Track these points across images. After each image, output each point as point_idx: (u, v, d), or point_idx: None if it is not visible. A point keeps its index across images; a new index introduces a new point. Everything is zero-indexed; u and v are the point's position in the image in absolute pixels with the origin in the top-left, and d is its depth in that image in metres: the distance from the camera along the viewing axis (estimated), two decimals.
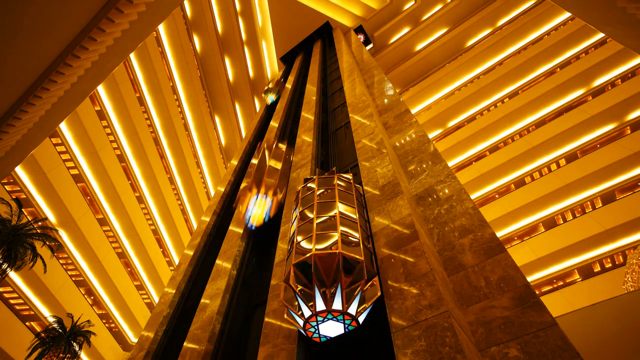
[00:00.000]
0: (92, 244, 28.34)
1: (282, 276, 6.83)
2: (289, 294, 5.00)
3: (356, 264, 4.70)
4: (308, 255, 4.82)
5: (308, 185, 6.78)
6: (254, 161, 11.93)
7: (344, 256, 4.69)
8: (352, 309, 4.54)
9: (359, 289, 4.58)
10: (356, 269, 4.69)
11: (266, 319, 6.04)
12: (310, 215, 5.72)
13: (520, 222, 23.08)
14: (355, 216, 5.64)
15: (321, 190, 6.35)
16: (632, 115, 21.72)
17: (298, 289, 4.76)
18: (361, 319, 4.65)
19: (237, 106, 38.09)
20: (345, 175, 6.83)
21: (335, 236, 5.02)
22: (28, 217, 23.52)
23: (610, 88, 23.54)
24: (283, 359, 5.08)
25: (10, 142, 11.44)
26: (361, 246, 4.97)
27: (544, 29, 28.22)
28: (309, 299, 4.64)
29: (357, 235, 5.20)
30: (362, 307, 4.61)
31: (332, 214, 5.61)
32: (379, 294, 4.68)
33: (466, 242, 5.32)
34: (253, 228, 10.19)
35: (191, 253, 11.88)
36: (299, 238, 5.33)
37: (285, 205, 9.38)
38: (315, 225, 5.35)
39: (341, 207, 5.71)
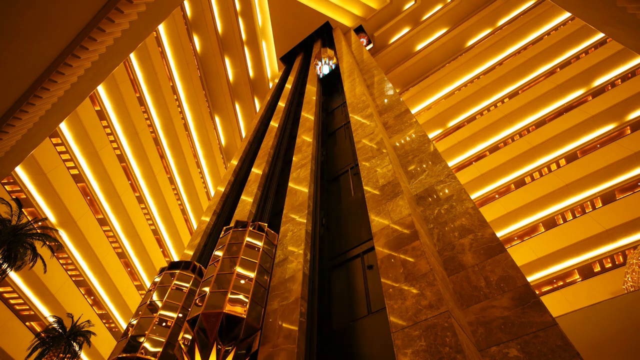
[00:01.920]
0: (92, 244, 28.32)
1: (282, 276, 6.83)
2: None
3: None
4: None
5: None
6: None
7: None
8: None
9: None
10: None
11: (266, 319, 6.04)
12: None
13: (520, 222, 23.07)
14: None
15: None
16: (632, 115, 21.71)
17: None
18: None
19: (237, 106, 38.08)
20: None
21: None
22: (28, 217, 23.51)
23: (610, 88, 23.54)
24: (283, 359, 5.08)
25: (10, 142, 11.44)
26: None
27: (544, 29, 28.21)
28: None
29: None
30: None
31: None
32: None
33: (466, 242, 5.32)
34: None
35: (191, 253, 11.88)
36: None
37: (285, 206, 9.38)
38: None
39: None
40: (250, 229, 7.53)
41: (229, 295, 5.75)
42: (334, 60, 20.14)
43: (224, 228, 8.01)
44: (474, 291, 4.61)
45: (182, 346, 5.51)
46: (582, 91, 24.45)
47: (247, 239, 7.23)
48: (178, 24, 31.19)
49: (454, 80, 31.46)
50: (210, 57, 34.43)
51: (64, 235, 26.46)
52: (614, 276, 17.73)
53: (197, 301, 6.08)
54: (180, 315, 7.58)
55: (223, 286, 6.08)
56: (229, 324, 5.38)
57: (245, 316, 5.51)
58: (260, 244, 7.29)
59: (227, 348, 5.28)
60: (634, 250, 14.43)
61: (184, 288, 8.05)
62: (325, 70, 19.82)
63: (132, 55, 28.94)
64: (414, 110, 32.66)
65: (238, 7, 31.53)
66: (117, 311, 31.96)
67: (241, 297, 5.88)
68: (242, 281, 6.26)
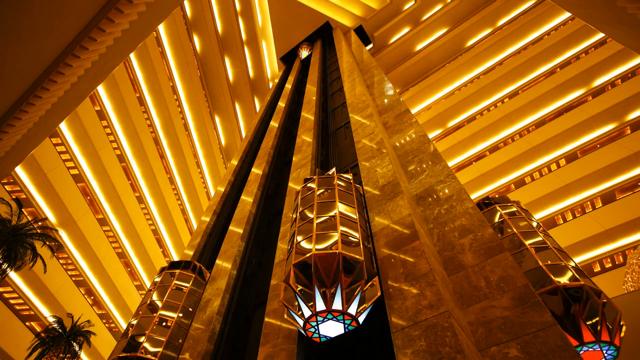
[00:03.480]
0: (92, 244, 28.32)
1: (282, 276, 6.83)
2: (289, 294, 4.92)
3: (356, 263, 4.68)
4: (308, 255, 4.77)
5: (308, 185, 6.80)
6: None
7: (344, 256, 4.66)
8: (352, 309, 4.51)
9: (358, 289, 4.54)
10: (356, 269, 4.66)
11: (266, 319, 6.04)
12: (310, 216, 5.74)
13: None
14: (355, 216, 5.65)
15: (321, 190, 6.36)
16: (632, 115, 21.71)
17: (298, 289, 4.70)
18: (361, 318, 4.61)
19: (237, 106, 38.09)
20: (345, 176, 6.86)
21: (335, 236, 4.99)
22: (28, 217, 23.50)
23: (610, 88, 23.54)
24: (283, 359, 5.08)
25: (10, 142, 11.44)
26: (361, 246, 4.96)
27: (544, 29, 28.21)
28: (309, 299, 4.59)
29: (357, 235, 5.18)
30: (362, 307, 4.57)
31: (332, 214, 5.58)
32: (379, 294, 4.67)
33: (466, 242, 5.32)
34: None
35: (191, 253, 11.88)
36: (299, 238, 5.31)
37: (285, 206, 9.38)
38: (315, 225, 5.34)
39: (341, 207, 5.72)
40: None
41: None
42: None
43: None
44: (474, 291, 4.61)
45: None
46: (582, 91, 24.45)
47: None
48: (178, 24, 31.19)
49: (454, 80, 31.46)
50: (210, 57, 34.43)
51: (64, 235, 26.46)
52: (614, 276, 17.72)
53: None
54: (181, 314, 7.54)
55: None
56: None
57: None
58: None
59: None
60: (634, 250, 14.43)
61: (184, 288, 8.03)
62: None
63: (132, 55, 28.94)
64: (414, 110, 32.65)
65: (238, 7, 31.53)
66: (117, 311, 31.95)
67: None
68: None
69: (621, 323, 5.18)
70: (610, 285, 17.47)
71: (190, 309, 7.93)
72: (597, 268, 19.67)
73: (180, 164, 37.07)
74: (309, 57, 31.13)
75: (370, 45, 34.61)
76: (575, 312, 4.93)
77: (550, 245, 6.09)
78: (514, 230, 6.44)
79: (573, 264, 5.80)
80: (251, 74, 35.45)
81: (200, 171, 40.91)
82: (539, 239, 6.11)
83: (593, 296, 5.11)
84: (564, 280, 5.26)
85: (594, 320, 4.99)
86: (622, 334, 4.98)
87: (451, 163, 28.25)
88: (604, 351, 4.97)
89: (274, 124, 18.50)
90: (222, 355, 7.06)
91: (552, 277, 5.32)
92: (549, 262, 5.61)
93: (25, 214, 22.68)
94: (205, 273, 9.13)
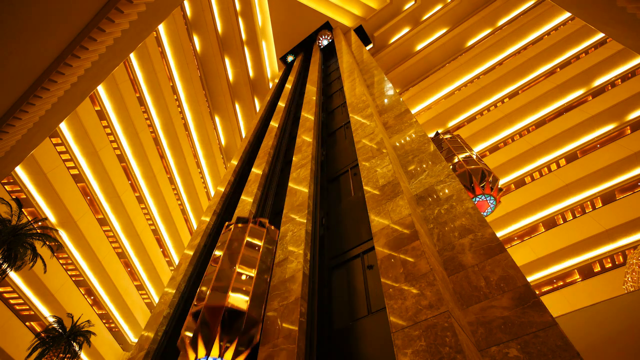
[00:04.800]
0: (92, 244, 28.32)
1: (282, 276, 6.83)
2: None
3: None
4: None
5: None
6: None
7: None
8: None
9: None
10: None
11: (266, 319, 6.04)
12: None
13: (520, 222, 23.08)
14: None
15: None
16: (632, 115, 21.72)
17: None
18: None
19: (237, 106, 38.09)
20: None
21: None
22: (28, 217, 23.50)
23: (610, 88, 23.55)
24: (283, 359, 5.09)
25: (10, 142, 11.44)
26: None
27: (544, 29, 28.22)
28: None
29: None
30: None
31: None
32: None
33: (466, 242, 5.32)
34: None
35: (191, 253, 11.87)
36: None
37: (285, 206, 9.39)
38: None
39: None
40: (252, 225, 7.32)
41: (229, 291, 5.77)
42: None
43: (225, 224, 7.84)
44: (474, 291, 4.61)
45: (186, 339, 5.49)
46: (582, 91, 24.46)
47: (248, 238, 7.05)
48: (178, 24, 31.20)
49: (454, 80, 31.48)
50: (210, 57, 34.44)
51: (64, 235, 26.46)
52: (614, 276, 17.73)
53: (199, 296, 6.11)
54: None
55: (227, 280, 6.05)
56: (232, 318, 5.44)
57: (246, 310, 5.54)
58: (260, 243, 7.09)
59: (227, 344, 5.37)
60: (634, 250, 14.43)
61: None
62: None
63: (132, 55, 28.95)
64: (414, 110, 32.67)
65: (238, 7, 31.53)
66: (117, 311, 31.95)
67: (242, 293, 5.92)
68: (243, 277, 6.16)
69: (499, 186, 10.09)
70: (610, 286, 17.49)
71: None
72: (597, 268, 19.68)
73: (180, 164, 37.07)
74: (308, 58, 31.14)
75: (370, 45, 34.61)
76: (474, 181, 9.92)
77: (470, 153, 11.07)
78: (449, 146, 11.52)
79: (475, 156, 11.01)
80: (251, 74, 35.47)
81: (200, 171, 40.92)
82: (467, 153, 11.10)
83: (486, 173, 10.09)
84: (470, 166, 10.24)
85: (483, 184, 9.89)
86: (499, 193, 10.13)
87: None
88: (488, 200, 9.91)
89: (274, 124, 18.51)
90: None
91: (466, 167, 10.23)
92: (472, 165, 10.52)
93: (25, 214, 22.69)
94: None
